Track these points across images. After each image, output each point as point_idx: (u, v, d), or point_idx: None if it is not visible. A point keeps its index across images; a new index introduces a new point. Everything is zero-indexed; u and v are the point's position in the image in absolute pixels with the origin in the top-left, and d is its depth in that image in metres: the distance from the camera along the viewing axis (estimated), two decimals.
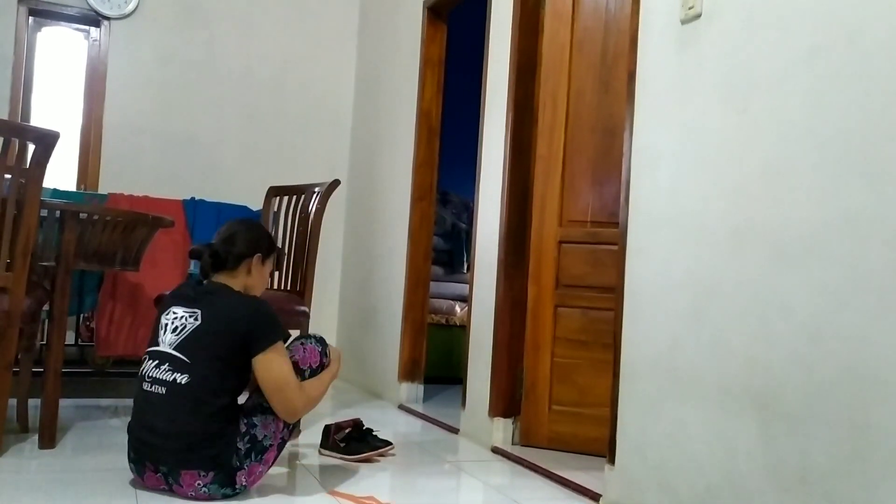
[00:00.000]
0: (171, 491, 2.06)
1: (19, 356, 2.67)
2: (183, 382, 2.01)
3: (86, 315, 3.66)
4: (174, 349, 2.06)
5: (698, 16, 2.02)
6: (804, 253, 1.66)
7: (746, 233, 1.81)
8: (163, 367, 2.05)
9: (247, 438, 2.04)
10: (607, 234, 2.79)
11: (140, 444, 2.06)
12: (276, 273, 3.08)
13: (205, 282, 2.24)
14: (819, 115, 1.65)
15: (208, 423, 2.01)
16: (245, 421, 2.06)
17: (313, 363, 2.21)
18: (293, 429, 2.21)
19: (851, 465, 1.51)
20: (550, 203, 2.96)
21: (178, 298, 2.19)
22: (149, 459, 2.04)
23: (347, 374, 4.59)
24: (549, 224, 2.96)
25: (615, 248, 2.28)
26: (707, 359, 1.90)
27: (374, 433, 2.70)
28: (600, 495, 2.26)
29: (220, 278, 2.24)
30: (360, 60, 4.99)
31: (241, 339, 2.05)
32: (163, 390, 2.03)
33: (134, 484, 2.16)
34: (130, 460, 2.11)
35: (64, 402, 2.64)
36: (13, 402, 2.63)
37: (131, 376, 3.66)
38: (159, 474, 2.04)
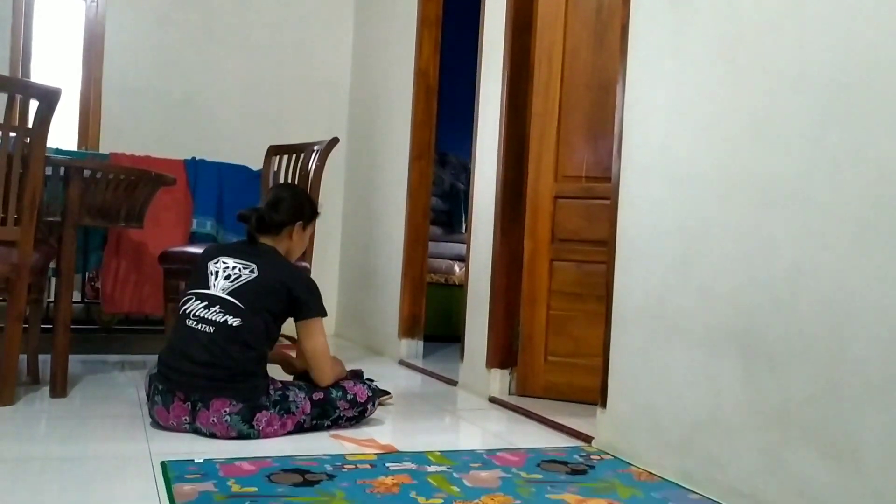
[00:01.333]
0: (191, 422, 2.17)
1: (28, 311, 2.74)
2: (234, 325, 2.21)
3: (91, 275, 3.73)
4: (228, 294, 2.24)
5: None
6: (788, 199, 1.72)
7: (734, 181, 1.87)
8: (213, 309, 2.23)
9: (279, 393, 2.23)
10: (602, 188, 2.84)
11: (174, 373, 2.20)
12: None
13: (255, 241, 2.42)
14: (804, 65, 1.70)
15: (249, 364, 2.21)
16: (286, 383, 2.31)
17: (360, 397, 2.41)
18: (322, 420, 2.32)
19: (828, 398, 1.59)
20: (546, 159, 3.01)
21: (228, 250, 2.40)
22: (180, 388, 2.18)
23: (348, 332, 4.68)
24: (544, 180, 3.01)
25: (609, 202, 2.34)
26: (694, 304, 1.97)
27: (373, 383, 2.79)
28: (592, 437, 2.35)
29: (266, 241, 2.42)
30: (358, 20, 5.00)
31: (292, 302, 2.30)
32: (211, 329, 2.20)
33: (145, 427, 2.25)
34: (157, 392, 2.22)
35: (72, 358, 2.72)
36: (23, 357, 2.71)
37: (137, 333, 3.75)
38: (188, 403, 2.17)
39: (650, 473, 2.04)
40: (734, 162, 1.88)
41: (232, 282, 2.27)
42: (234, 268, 2.31)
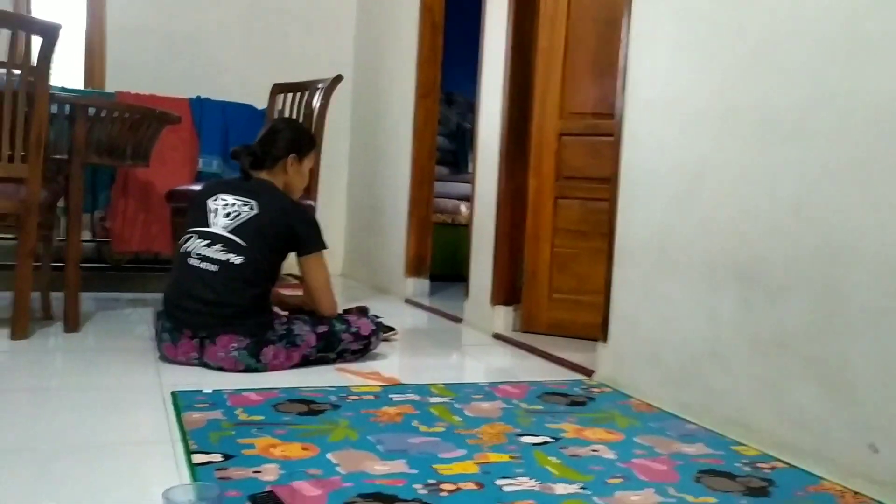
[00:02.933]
0: (199, 357, 2.22)
1: (39, 250, 2.78)
2: (237, 263, 2.23)
3: (100, 215, 3.76)
4: (229, 232, 2.26)
5: None
6: (790, 131, 1.71)
7: (736, 114, 1.86)
8: (215, 247, 2.25)
9: (284, 327, 2.27)
10: (607, 125, 2.81)
11: (181, 312, 2.24)
12: None
13: (251, 178, 2.42)
14: None
15: (254, 300, 2.25)
16: (291, 317, 2.35)
17: (364, 330, 2.44)
18: (328, 353, 2.36)
19: (825, 329, 1.61)
20: (551, 96, 2.98)
21: (227, 186, 2.39)
22: (187, 326, 2.22)
23: (355, 272, 4.72)
24: (549, 117, 2.99)
25: (614, 139, 2.33)
26: (695, 238, 1.98)
27: (378, 319, 2.83)
28: (593, 371, 2.40)
29: (262, 176, 2.42)
30: None
31: (293, 238, 2.33)
32: (215, 268, 2.23)
33: (155, 361, 2.31)
34: (164, 330, 2.27)
35: (85, 296, 2.77)
36: (35, 294, 2.76)
37: (147, 271, 3.81)
38: (196, 339, 2.21)
39: (649, 405, 2.08)
40: (736, 94, 1.86)
41: (232, 219, 2.28)
42: (233, 205, 2.31)
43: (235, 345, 2.19)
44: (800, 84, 1.69)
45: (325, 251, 2.42)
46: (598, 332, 2.40)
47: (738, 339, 1.83)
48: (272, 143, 2.44)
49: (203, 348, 2.22)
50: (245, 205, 2.31)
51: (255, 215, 2.29)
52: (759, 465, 1.63)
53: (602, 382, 2.32)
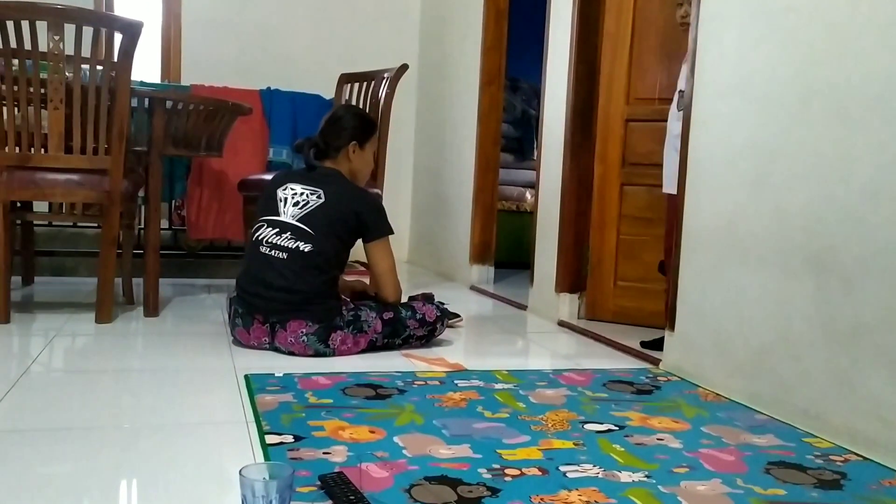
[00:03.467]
0: (270, 342, 2.30)
1: (121, 237, 2.92)
2: (306, 250, 2.30)
3: (176, 203, 3.91)
4: (298, 220, 2.33)
5: None
6: (867, 113, 1.65)
7: (811, 96, 1.81)
8: (284, 236, 2.32)
9: (352, 313, 2.33)
10: None
11: (253, 298, 2.32)
12: None
13: (317, 167, 2.47)
14: None
15: (323, 287, 2.32)
16: (358, 304, 2.41)
17: (429, 316, 2.48)
18: (394, 339, 2.41)
19: None
20: (618, 81, 2.95)
21: (295, 176, 2.46)
22: (259, 311, 2.30)
23: (420, 259, 4.77)
24: (616, 102, 2.96)
25: None
26: (767, 225, 1.94)
27: (444, 305, 2.86)
28: (660, 360, 2.37)
29: (328, 165, 2.48)
30: None
31: (360, 225, 2.38)
32: (284, 255, 2.31)
33: (229, 345, 2.40)
34: (237, 315, 2.36)
35: (162, 282, 2.90)
36: (118, 280, 2.90)
37: (221, 258, 3.93)
38: (267, 325, 2.30)
39: (717, 395, 2.05)
40: (811, 74, 1.81)
41: (301, 208, 2.35)
42: (301, 194, 2.38)
43: (304, 330, 2.26)
44: (879, 65, 1.63)
45: (391, 237, 2.46)
46: (664, 320, 2.37)
47: (812, 328, 1.79)
48: (333, 132, 2.48)
49: (274, 333, 2.29)
50: (313, 193, 2.37)
51: (322, 203, 2.35)
52: (831, 457, 1.59)
53: (668, 371, 2.29)
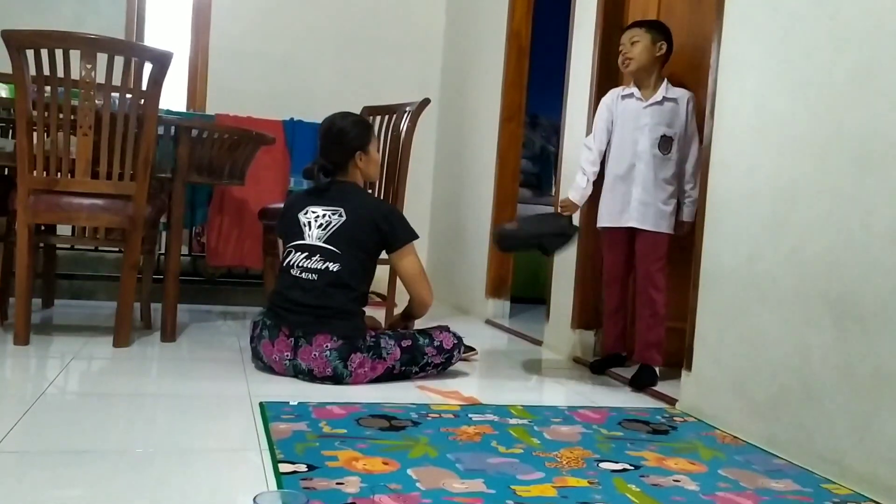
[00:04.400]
0: (292, 357, 2.32)
1: (142, 262, 2.95)
2: (335, 270, 2.36)
3: (197, 230, 3.95)
4: (325, 242, 2.39)
5: None
6: (887, 158, 1.65)
7: (831, 140, 1.81)
8: (314, 258, 2.38)
9: (374, 339, 2.36)
10: None
11: (283, 311, 2.37)
12: (370, 188, 3.23)
13: (332, 184, 2.51)
14: None
15: (351, 304, 2.38)
16: (378, 332, 2.43)
17: (446, 344, 2.50)
18: (411, 367, 2.43)
19: None
20: None
21: (313, 197, 2.50)
22: (286, 324, 2.35)
23: (436, 291, 4.76)
24: None
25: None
26: (786, 266, 1.93)
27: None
28: (676, 400, 2.35)
29: (341, 178, 2.52)
30: None
31: (381, 236, 2.43)
32: (315, 277, 2.37)
33: (245, 371, 2.40)
34: (264, 328, 2.40)
35: (180, 307, 2.92)
36: (137, 305, 2.92)
37: (238, 285, 3.96)
38: (291, 338, 2.33)
39: (734, 437, 2.03)
40: (832, 119, 1.81)
41: (325, 230, 2.41)
42: (324, 216, 2.43)
43: (329, 345, 2.29)
44: None
45: (414, 242, 2.50)
46: (681, 359, 2.35)
47: (831, 371, 1.77)
48: (338, 149, 2.51)
49: (297, 349, 2.31)
50: (334, 213, 2.42)
51: (344, 221, 2.41)
52: None
53: (685, 412, 2.27)
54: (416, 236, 2.51)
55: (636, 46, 2.64)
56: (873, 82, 1.71)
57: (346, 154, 2.51)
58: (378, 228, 2.42)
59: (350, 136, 2.52)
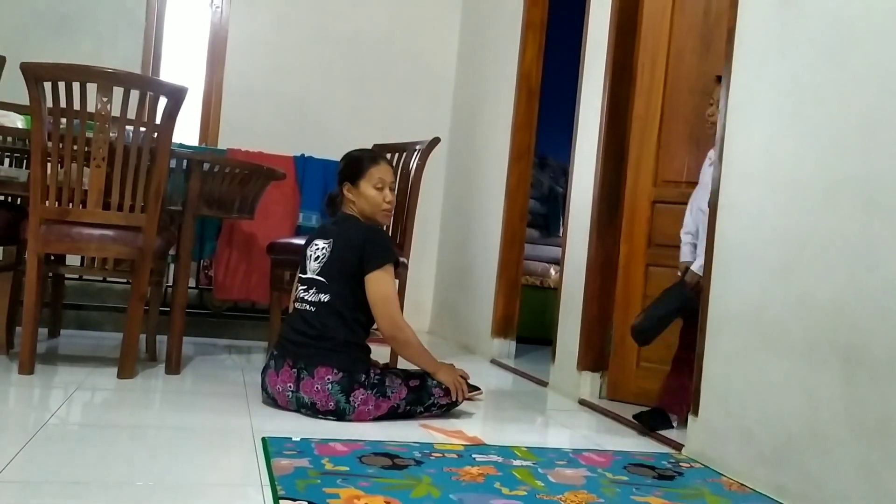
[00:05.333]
0: (294, 390, 2.32)
1: (149, 293, 2.95)
2: (326, 301, 2.40)
3: (205, 263, 3.97)
4: (317, 275, 2.44)
5: None
6: (895, 203, 1.66)
7: (839, 187, 1.82)
8: (311, 291, 2.44)
9: (378, 377, 2.36)
10: None
11: (287, 343, 2.40)
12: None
13: (336, 215, 2.60)
14: None
15: (350, 333, 2.38)
16: (385, 370, 2.43)
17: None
18: (416, 407, 2.41)
19: None
20: (645, 163, 2.99)
21: (318, 232, 2.60)
22: (290, 356, 2.37)
23: (442, 330, 4.76)
24: (643, 184, 2.99)
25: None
26: (793, 312, 1.92)
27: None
28: (682, 445, 2.32)
29: (344, 209, 2.59)
30: (464, 24, 5.09)
31: (358, 259, 2.41)
32: (312, 308, 2.41)
33: (248, 406, 2.39)
34: (271, 358, 2.44)
35: (185, 340, 2.93)
36: (142, 336, 2.92)
37: (244, 319, 3.96)
38: (294, 369, 2.34)
39: (741, 484, 2.00)
40: (840, 167, 1.82)
41: (319, 262, 2.46)
42: (322, 248, 2.49)
43: (330, 377, 2.29)
44: None
45: (389, 266, 2.41)
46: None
47: (840, 421, 1.75)
48: (336, 180, 2.62)
49: (300, 380, 2.31)
50: (326, 245, 2.48)
51: (331, 251, 2.45)
52: None
53: (691, 457, 2.24)
54: (392, 259, 2.43)
55: None
56: (881, 130, 1.72)
57: (338, 182, 2.59)
58: (354, 252, 2.41)
59: (341, 167, 2.61)
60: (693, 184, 2.86)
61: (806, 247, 1.91)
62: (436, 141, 3.29)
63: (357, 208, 2.54)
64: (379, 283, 2.40)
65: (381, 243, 2.46)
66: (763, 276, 2.05)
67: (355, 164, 2.58)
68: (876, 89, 1.75)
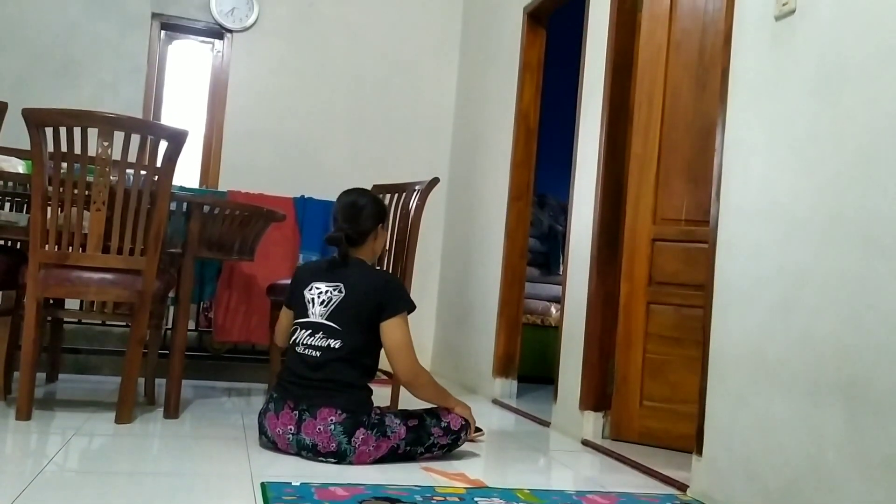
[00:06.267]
0: (295, 433, 2.29)
1: (148, 336, 2.94)
2: (336, 347, 2.36)
3: (204, 305, 3.96)
4: (326, 319, 2.39)
5: (792, 11, 2.04)
6: (894, 240, 1.65)
7: (837, 224, 1.82)
8: (317, 336, 2.39)
9: (378, 417, 2.34)
10: (702, 232, 2.79)
11: (289, 385, 2.38)
12: (378, 265, 3.25)
13: (345, 258, 2.50)
14: None
15: (356, 377, 2.37)
16: (384, 410, 2.40)
17: (454, 425, 2.46)
18: (416, 447, 2.39)
19: None
20: (644, 201, 3.00)
21: (318, 274, 2.51)
22: (291, 398, 2.34)
23: (443, 370, 4.73)
24: (642, 221, 2.99)
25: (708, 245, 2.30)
26: (796, 350, 1.91)
27: None
28: (687, 486, 2.29)
29: (359, 252, 2.54)
30: (462, 65, 5.15)
31: (375, 306, 2.39)
32: (318, 354, 2.37)
33: (248, 450, 2.36)
34: (270, 401, 2.40)
35: (184, 383, 2.90)
36: (141, 379, 2.90)
37: (244, 362, 3.94)
38: (296, 412, 2.31)
39: None
40: (838, 203, 1.82)
41: (326, 307, 2.41)
42: (326, 292, 2.44)
43: (334, 418, 2.26)
44: None
45: (410, 314, 2.43)
46: (691, 443, 2.30)
47: (845, 459, 1.72)
48: (361, 218, 2.51)
49: (301, 422, 2.29)
50: (335, 289, 2.43)
51: (344, 297, 2.41)
52: None
53: (696, 498, 2.21)
54: (410, 307, 2.44)
55: None
56: (877, 168, 1.73)
57: (370, 224, 2.52)
58: (371, 299, 2.39)
59: (375, 207, 2.57)
60: (693, 221, 2.87)
61: (805, 283, 1.90)
62: (435, 181, 3.31)
63: (372, 249, 2.56)
64: (396, 330, 2.40)
65: (400, 290, 2.48)
66: (763, 313, 2.04)
67: (384, 208, 2.64)
68: (871, 126, 1.76)
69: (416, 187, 3.32)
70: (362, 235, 2.51)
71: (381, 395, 2.86)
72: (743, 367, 2.10)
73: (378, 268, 2.53)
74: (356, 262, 2.51)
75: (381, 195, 3.55)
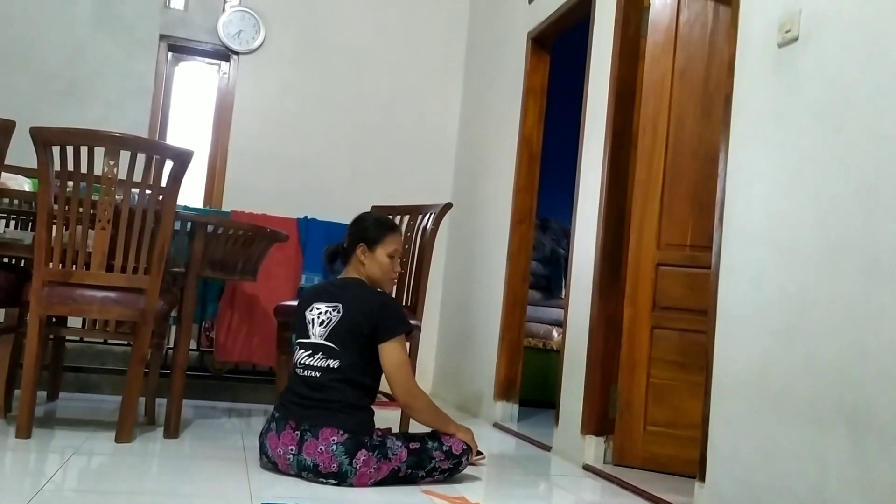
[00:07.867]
0: (296, 453, 2.27)
1: (150, 355, 2.93)
2: (335, 367, 2.36)
3: (206, 325, 3.96)
4: (324, 339, 2.39)
5: (795, 39, 2.06)
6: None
7: (840, 250, 1.82)
8: (316, 356, 2.39)
9: (380, 439, 2.32)
10: (706, 257, 2.79)
11: (290, 405, 2.37)
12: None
13: (339, 274, 2.57)
14: None
15: (357, 397, 2.36)
16: (385, 433, 2.38)
17: (455, 449, 2.43)
18: (417, 471, 2.36)
19: None
20: (648, 226, 3.00)
21: (320, 295, 2.52)
22: (293, 417, 2.33)
23: (444, 393, 4.71)
24: (646, 247, 2.99)
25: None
26: (799, 376, 1.90)
27: None
28: None
29: (347, 271, 2.57)
30: (466, 89, 5.19)
31: (372, 328, 2.38)
32: (317, 374, 2.37)
33: (247, 470, 2.35)
34: (272, 420, 2.39)
35: (184, 402, 2.89)
36: (142, 399, 2.89)
37: (245, 381, 3.92)
38: (297, 432, 2.30)
39: None
40: (841, 229, 1.83)
41: (325, 327, 2.42)
42: (325, 312, 2.44)
43: (336, 438, 2.25)
44: None
45: (406, 335, 2.44)
46: (696, 469, 2.29)
47: (849, 487, 1.71)
48: (348, 234, 2.58)
49: (302, 442, 2.27)
50: (334, 309, 2.43)
51: (342, 317, 2.41)
52: None
53: None
54: (407, 328, 2.44)
55: None
56: (880, 193, 1.73)
57: (352, 241, 2.55)
58: (368, 320, 2.38)
59: (360, 226, 2.58)
60: (697, 247, 2.87)
61: (808, 309, 1.90)
62: (448, 206, 3.32)
63: (366, 272, 2.53)
64: (392, 353, 2.39)
65: (397, 312, 2.46)
66: (766, 339, 2.04)
67: (378, 229, 2.57)
68: (874, 153, 1.77)
69: (430, 211, 3.33)
70: (341, 252, 2.58)
71: (389, 418, 2.85)
72: (746, 392, 2.09)
73: (379, 290, 2.51)
74: (356, 282, 2.51)
75: (391, 216, 3.57)
